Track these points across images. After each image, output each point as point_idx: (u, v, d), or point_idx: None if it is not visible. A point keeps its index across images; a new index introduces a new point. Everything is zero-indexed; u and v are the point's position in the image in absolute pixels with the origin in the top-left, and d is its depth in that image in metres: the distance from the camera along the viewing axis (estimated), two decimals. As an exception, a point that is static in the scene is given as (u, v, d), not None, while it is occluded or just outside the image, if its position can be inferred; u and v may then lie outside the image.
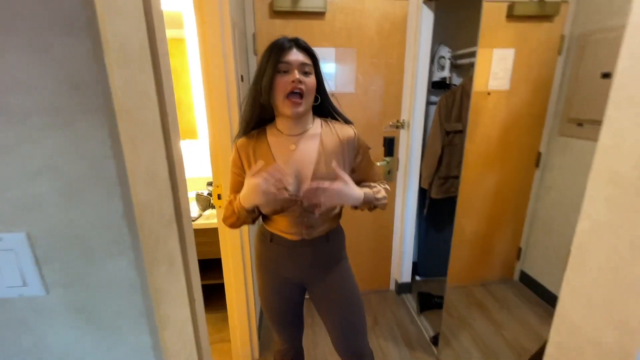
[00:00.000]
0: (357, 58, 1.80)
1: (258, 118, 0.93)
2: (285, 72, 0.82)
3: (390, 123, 1.94)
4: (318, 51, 1.72)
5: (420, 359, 1.71)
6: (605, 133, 0.74)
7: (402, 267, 2.22)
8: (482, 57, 1.85)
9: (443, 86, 2.06)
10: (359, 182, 0.98)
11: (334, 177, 0.86)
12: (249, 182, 0.82)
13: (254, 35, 1.70)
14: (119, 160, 0.41)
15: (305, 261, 0.99)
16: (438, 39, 1.99)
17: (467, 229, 2.15)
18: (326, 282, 1.02)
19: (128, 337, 0.50)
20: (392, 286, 2.29)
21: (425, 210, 2.14)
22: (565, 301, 0.87)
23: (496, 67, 1.89)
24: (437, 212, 2.13)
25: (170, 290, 0.56)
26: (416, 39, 1.78)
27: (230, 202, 0.93)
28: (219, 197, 1.40)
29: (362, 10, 1.72)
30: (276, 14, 1.67)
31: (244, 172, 0.93)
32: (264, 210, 0.92)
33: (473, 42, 1.80)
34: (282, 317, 1.09)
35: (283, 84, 0.82)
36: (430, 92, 2.14)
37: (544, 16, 1.79)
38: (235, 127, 1.34)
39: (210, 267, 1.82)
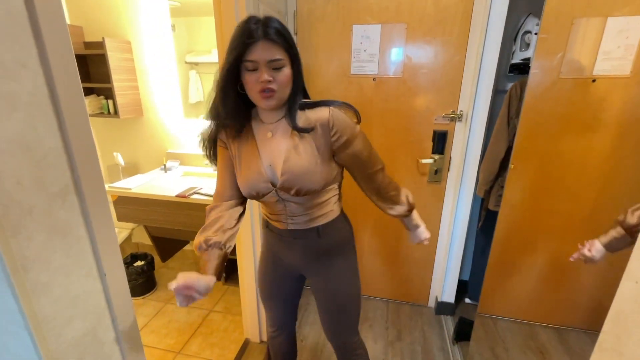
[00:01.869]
0: (407, 35, 1.54)
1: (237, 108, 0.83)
2: (253, 70, 0.74)
3: (444, 114, 1.62)
4: (361, 29, 1.58)
5: (436, 394, 1.46)
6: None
7: (444, 283, 1.91)
8: (587, 30, 1.35)
9: (526, 70, 1.60)
10: (358, 178, 0.93)
11: (306, 166, 0.82)
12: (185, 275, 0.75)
13: (294, 14, 1.63)
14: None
15: (297, 253, 0.98)
16: (525, 8, 1.55)
17: (543, 253, 1.68)
18: (321, 276, 1.00)
19: (-3, 298, 0.53)
20: (432, 303, 2.00)
21: (479, 224, 1.76)
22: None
23: (610, 44, 1.36)
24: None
25: (54, 260, 0.57)
26: (487, 10, 1.42)
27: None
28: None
29: (415, -23, 1.45)
30: (317, -11, 1.56)
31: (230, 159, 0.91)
32: (244, 191, 0.88)
33: (575, 10, 1.33)
34: (274, 298, 1.12)
35: (252, 82, 0.75)
36: (506, 78, 1.71)
37: None
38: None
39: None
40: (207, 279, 0.75)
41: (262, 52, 0.72)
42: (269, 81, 0.74)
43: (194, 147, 2.19)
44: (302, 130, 0.82)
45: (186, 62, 2.13)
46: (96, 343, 0.67)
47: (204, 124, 0.92)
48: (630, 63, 1.36)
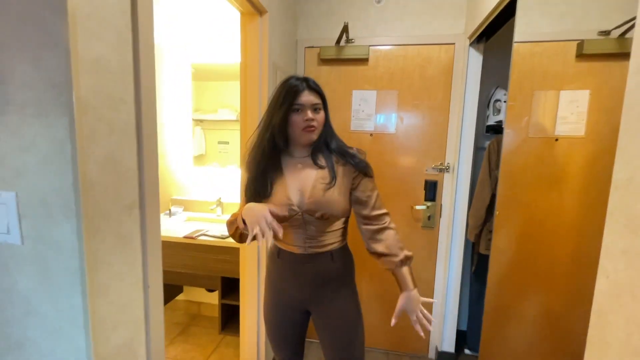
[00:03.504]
0: (398, 99, 1.81)
1: (273, 149, 0.99)
2: (298, 110, 0.95)
3: (433, 165, 1.83)
4: (359, 94, 1.85)
5: None
6: (619, 165, 0.60)
7: (444, 332, 1.91)
8: (545, 100, 1.65)
9: (500, 130, 1.88)
10: (358, 203, 1.02)
11: (329, 195, 0.97)
12: (258, 210, 0.88)
13: (302, 80, 1.90)
14: (73, 144, 0.54)
15: (308, 278, 1.04)
16: (494, 81, 1.87)
17: (533, 302, 1.75)
18: (327, 305, 1.05)
19: (65, 295, 0.59)
20: (432, 354, 1.97)
21: (472, 268, 1.85)
22: (586, 393, 0.65)
23: (565, 111, 1.65)
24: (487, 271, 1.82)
25: (115, 265, 0.64)
26: (463, 82, 1.72)
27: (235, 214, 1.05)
28: (244, 217, 1.52)
29: (404, 56, 1.78)
30: (323, 61, 1.86)
31: None
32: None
33: (534, 84, 1.64)
34: (282, 337, 1.14)
35: (298, 121, 0.95)
36: (484, 137, 1.97)
37: (626, 54, 1.53)
38: (264, 155, 1.48)
39: (237, 288, 1.90)
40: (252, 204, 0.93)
41: (307, 97, 0.94)
42: (312, 118, 0.94)
43: (198, 193, 2.29)
44: (321, 167, 1.00)
45: (193, 119, 2.34)
46: (131, 356, 0.70)
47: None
48: (583, 127, 1.63)
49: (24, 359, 0.62)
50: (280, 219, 0.98)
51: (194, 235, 1.75)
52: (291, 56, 1.83)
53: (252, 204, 0.93)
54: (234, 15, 1.44)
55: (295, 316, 1.11)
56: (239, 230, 0.97)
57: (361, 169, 1.01)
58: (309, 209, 0.97)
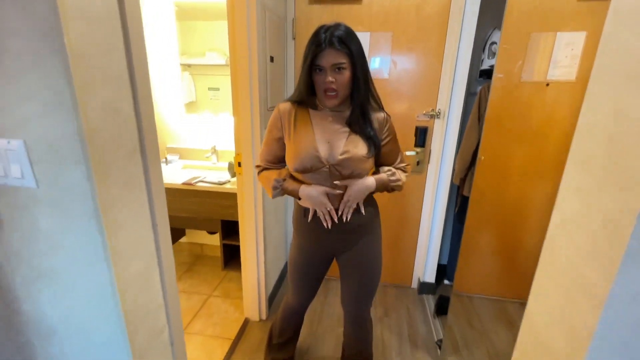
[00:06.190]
0: (392, 42, 1.76)
1: (307, 96, 1.01)
2: (321, 70, 0.93)
3: (424, 112, 1.85)
4: (353, 36, 1.77)
5: (419, 358, 1.64)
6: (585, 110, 0.65)
7: (426, 265, 2.11)
8: (542, 42, 1.62)
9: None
10: (383, 160, 1.11)
11: (362, 154, 0.99)
12: (316, 196, 1.01)
13: (293, 21, 1.82)
14: (72, 92, 0.57)
15: (337, 233, 1.09)
16: (492, 23, 1.81)
17: (509, 237, 1.92)
18: (354, 250, 1.13)
19: (85, 233, 0.66)
20: (414, 284, 2.20)
21: (456, 209, 1.99)
22: (532, 306, 0.79)
23: (559, 54, 1.63)
24: (470, 212, 1.96)
25: (125, 206, 0.71)
26: (459, 23, 1.66)
27: (279, 182, 1.06)
28: (239, 164, 1.57)
29: (400, -7, 1.68)
30: (314, 0, 1.75)
31: (282, 132, 1.06)
32: (295, 163, 1.02)
33: (532, 26, 1.59)
34: (306, 280, 1.22)
35: (319, 81, 0.95)
36: (477, 82, 1.96)
37: (630, -8, 1.47)
38: (256, 102, 1.49)
39: (237, 230, 2.03)
40: (310, 188, 1.02)
41: (328, 58, 0.91)
42: (332, 82, 0.92)
43: (192, 141, 2.31)
44: (357, 132, 1.01)
45: (180, 64, 2.22)
46: (148, 283, 0.81)
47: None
48: (575, 71, 1.63)
49: (53, 284, 0.72)
50: (306, 169, 1.01)
51: (192, 182, 1.82)
52: (280, -7, 1.72)
53: (309, 189, 1.01)
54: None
55: (321, 264, 1.19)
56: (277, 190, 1.07)
57: (392, 126, 1.07)
58: (339, 165, 0.98)
